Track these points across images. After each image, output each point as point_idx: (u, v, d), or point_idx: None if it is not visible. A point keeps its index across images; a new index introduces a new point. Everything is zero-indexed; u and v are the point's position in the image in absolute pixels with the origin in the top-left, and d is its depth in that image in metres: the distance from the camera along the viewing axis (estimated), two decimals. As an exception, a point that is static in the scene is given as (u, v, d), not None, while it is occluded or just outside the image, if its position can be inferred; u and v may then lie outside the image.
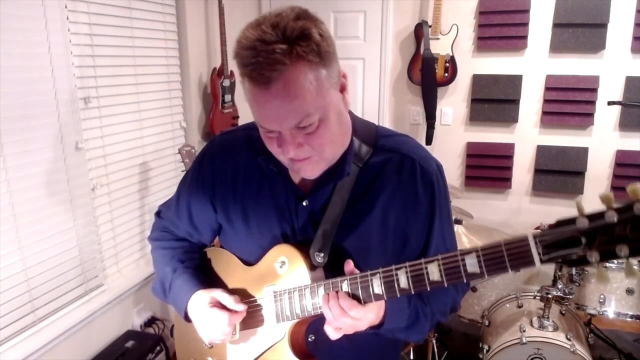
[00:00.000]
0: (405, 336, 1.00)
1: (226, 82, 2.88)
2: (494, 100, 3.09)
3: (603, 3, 2.78)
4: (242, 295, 1.04)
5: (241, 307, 0.99)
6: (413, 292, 0.82)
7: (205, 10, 2.91)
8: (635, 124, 2.89)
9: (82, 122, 2.08)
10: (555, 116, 3.02)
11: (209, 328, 1.01)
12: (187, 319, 1.07)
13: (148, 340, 2.27)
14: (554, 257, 0.69)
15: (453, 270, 0.78)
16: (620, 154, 2.95)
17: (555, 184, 3.10)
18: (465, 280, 0.78)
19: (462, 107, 3.21)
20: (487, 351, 2.07)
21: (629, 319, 2.24)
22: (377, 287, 0.85)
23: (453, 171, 3.29)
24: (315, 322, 0.95)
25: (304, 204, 0.97)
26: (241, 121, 3.04)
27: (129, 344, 2.22)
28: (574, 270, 2.23)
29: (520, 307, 2.19)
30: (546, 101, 3.01)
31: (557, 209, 3.13)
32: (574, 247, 0.67)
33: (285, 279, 0.97)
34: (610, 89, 2.89)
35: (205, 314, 1.00)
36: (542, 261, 0.69)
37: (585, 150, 3.01)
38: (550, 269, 2.28)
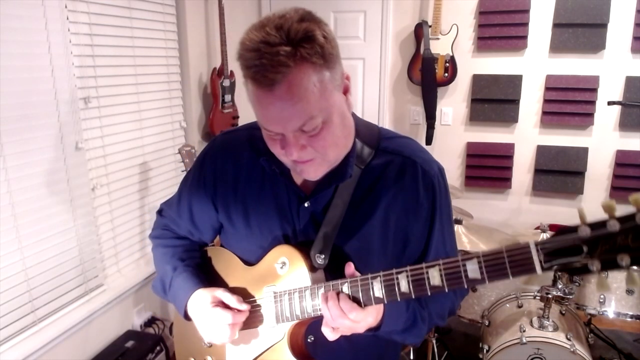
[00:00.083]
0: (402, 339, 1.00)
1: (226, 82, 2.88)
2: (494, 100, 3.10)
3: (603, 3, 2.78)
4: (242, 295, 1.04)
5: (245, 307, 0.99)
6: (414, 297, 0.82)
7: (205, 10, 2.91)
8: (635, 124, 2.89)
9: (82, 122, 2.08)
10: (555, 116, 3.02)
11: (211, 327, 1.01)
12: (186, 317, 1.07)
13: (148, 340, 2.27)
14: (555, 265, 0.69)
15: (454, 275, 0.78)
16: (620, 154, 2.95)
17: (555, 184, 3.10)
18: (466, 286, 0.78)
19: (462, 107, 3.21)
20: (487, 351, 2.07)
21: (629, 319, 2.24)
22: (378, 290, 0.85)
23: (453, 171, 3.29)
24: (315, 324, 0.95)
25: (306, 205, 0.97)
26: (241, 121, 3.04)
27: (129, 344, 2.22)
28: (574, 271, 2.22)
29: (520, 307, 2.19)
30: (546, 101, 3.02)
31: (557, 209, 3.14)
32: (576, 255, 0.67)
33: (286, 279, 0.97)
34: (610, 89, 2.89)
35: (208, 313, 1.00)
36: (543, 269, 0.69)
37: (585, 150, 3.01)
38: (550, 269, 2.28)
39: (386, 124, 3.33)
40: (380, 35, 3.21)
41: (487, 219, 3.15)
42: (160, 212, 1.23)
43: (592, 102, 2.92)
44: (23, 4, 1.78)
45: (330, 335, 0.88)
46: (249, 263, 1.05)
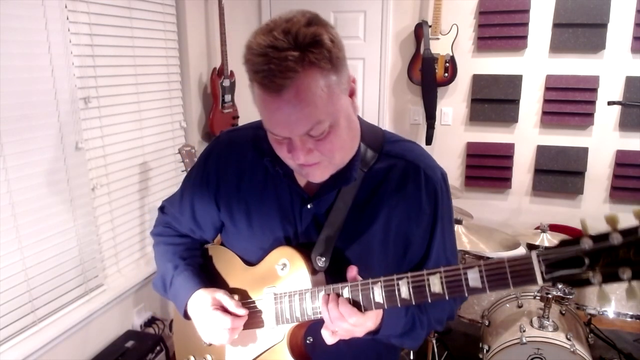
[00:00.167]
0: (399, 342, 1.00)
1: (226, 82, 2.88)
2: (494, 100, 3.09)
3: (603, 3, 2.77)
4: (242, 295, 1.04)
5: (243, 312, 0.99)
6: (414, 303, 0.82)
7: (205, 10, 2.91)
8: (635, 124, 2.89)
9: (82, 122, 2.08)
10: (555, 116, 3.02)
11: (210, 330, 1.01)
12: (186, 316, 1.07)
13: (148, 340, 2.27)
14: (556, 277, 0.69)
15: (455, 283, 0.78)
16: (620, 154, 2.95)
17: (555, 184, 3.10)
18: (466, 295, 0.78)
19: (462, 107, 3.21)
20: (487, 351, 2.07)
21: (629, 319, 2.24)
22: (378, 295, 0.85)
23: (453, 171, 3.29)
24: (314, 325, 0.95)
25: (309, 207, 0.97)
26: (241, 121, 3.04)
27: (129, 344, 2.22)
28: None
29: (520, 307, 2.19)
30: (546, 101, 3.01)
31: (557, 209, 3.13)
32: (577, 267, 0.67)
33: (286, 281, 0.97)
34: (610, 89, 2.88)
35: (208, 315, 1.00)
36: (544, 280, 0.69)
37: (585, 150, 3.01)
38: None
39: (386, 124, 3.32)
40: (380, 35, 3.20)
41: (487, 219, 3.15)
42: (162, 209, 1.22)
43: (592, 102, 2.92)
44: (23, 4, 1.78)
45: (329, 339, 0.88)
46: (250, 263, 1.05)
